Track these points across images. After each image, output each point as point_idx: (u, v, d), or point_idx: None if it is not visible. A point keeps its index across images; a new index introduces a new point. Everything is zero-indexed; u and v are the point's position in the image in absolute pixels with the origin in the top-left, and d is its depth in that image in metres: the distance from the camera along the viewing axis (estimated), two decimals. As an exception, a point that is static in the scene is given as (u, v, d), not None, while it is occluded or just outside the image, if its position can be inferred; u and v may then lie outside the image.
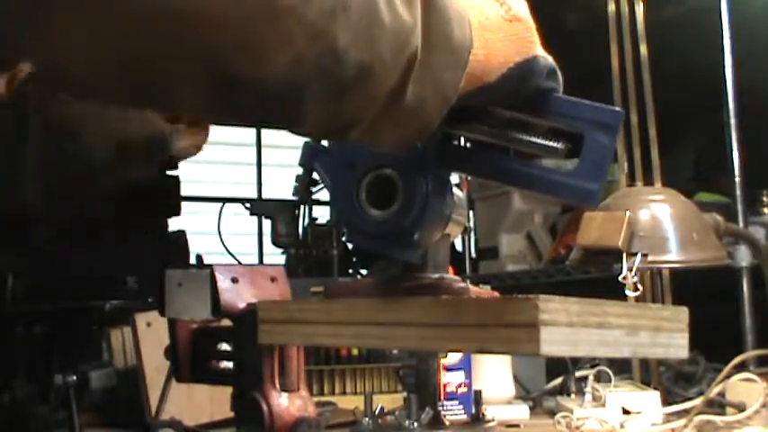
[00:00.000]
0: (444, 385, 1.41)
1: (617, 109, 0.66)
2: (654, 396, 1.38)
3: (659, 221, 1.23)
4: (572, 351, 0.53)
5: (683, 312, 0.63)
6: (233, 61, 0.45)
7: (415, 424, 1.25)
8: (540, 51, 0.64)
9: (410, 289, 0.69)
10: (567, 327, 0.53)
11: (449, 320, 0.56)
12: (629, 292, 1.17)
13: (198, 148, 1.36)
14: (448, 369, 1.43)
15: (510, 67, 0.61)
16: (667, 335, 0.61)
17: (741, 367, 1.32)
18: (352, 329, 0.63)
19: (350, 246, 2.24)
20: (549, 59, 0.65)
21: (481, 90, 0.61)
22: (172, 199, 1.39)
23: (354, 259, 2.31)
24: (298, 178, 1.80)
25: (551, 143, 0.64)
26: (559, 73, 0.66)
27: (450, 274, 0.73)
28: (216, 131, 1.35)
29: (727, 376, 1.28)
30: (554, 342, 0.52)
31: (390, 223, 0.65)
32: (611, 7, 1.74)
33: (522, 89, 0.63)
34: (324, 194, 2.18)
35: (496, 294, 0.71)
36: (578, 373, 1.55)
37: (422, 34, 0.53)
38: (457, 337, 0.56)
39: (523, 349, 0.52)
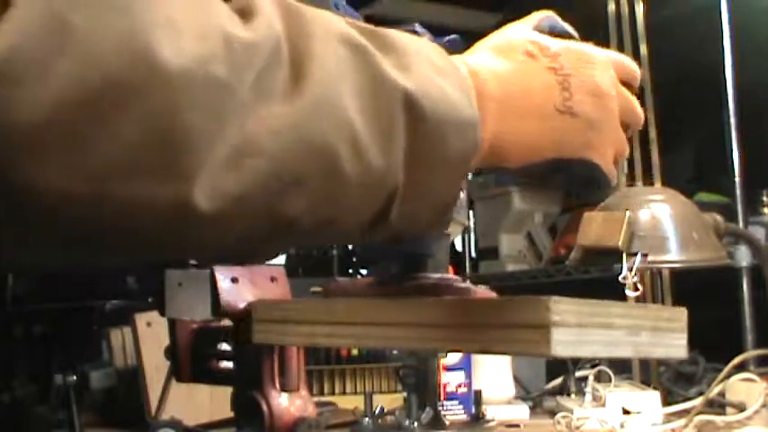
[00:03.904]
0: (444, 385, 1.42)
1: None
2: (654, 396, 1.38)
3: (659, 221, 1.23)
4: (579, 352, 0.54)
5: (681, 313, 0.63)
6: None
7: (415, 424, 1.26)
8: (592, 155, 0.58)
9: (412, 289, 0.68)
10: (576, 327, 0.53)
11: (453, 321, 0.56)
12: (629, 292, 1.17)
13: None
14: (448, 369, 1.43)
15: (537, 161, 0.57)
16: (667, 335, 0.61)
17: (741, 367, 1.32)
18: (351, 329, 0.63)
19: (349, 246, 2.24)
20: (601, 168, 0.58)
21: (497, 168, 0.58)
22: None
23: (354, 259, 2.31)
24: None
25: None
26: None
27: (450, 274, 0.72)
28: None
29: (727, 376, 1.28)
30: (565, 343, 0.52)
31: None
32: (611, 7, 1.74)
33: (552, 182, 0.60)
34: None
35: (494, 294, 0.71)
36: (578, 373, 1.55)
37: (407, 162, 0.49)
38: (459, 338, 0.56)
39: (533, 350, 0.52)
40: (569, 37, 0.61)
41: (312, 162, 0.44)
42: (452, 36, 0.67)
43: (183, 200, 0.39)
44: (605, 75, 0.59)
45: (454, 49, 0.67)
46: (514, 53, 0.57)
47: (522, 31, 0.60)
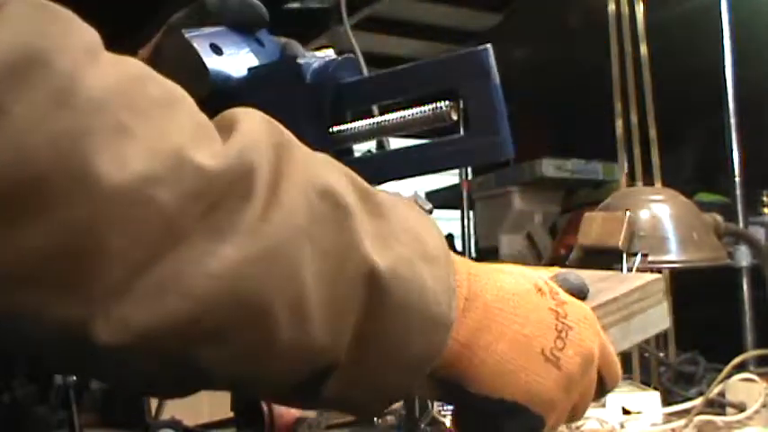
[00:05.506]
0: (444, 385, 1.41)
1: (479, 48, 0.58)
2: (654, 396, 1.38)
3: (659, 221, 1.23)
4: None
5: (656, 284, 0.62)
6: None
7: (415, 424, 1.25)
8: (549, 416, 0.51)
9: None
10: None
11: None
12: (629, 293, 1.17)
13: None
14: (448, 369, 1.43)
15: (495, 397, 0.49)
16: (642, 316, 0.60)
17: (741, 367, 1.32)
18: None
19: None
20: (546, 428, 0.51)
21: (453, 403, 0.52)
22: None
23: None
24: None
25: (434, 108, 0.60)
26: None
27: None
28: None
29: (728, 376, 1.28)
30: None
31: None
32: (611, 7, 1.74)
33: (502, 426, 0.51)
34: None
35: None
36: (578, 373, 1.54)
37: (354, 343, 0.43)
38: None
39: None
40: (581, 297, 0.56)
41: (242, 318, 0.39)
42: (347, 55, 0.65)
43: (80, 325, 0.36)
44: (597, 349, 0.53)
45: (349, 67, 0.65)
46: (524, 279, 0.52)
47: (538, 272, 0.56)
